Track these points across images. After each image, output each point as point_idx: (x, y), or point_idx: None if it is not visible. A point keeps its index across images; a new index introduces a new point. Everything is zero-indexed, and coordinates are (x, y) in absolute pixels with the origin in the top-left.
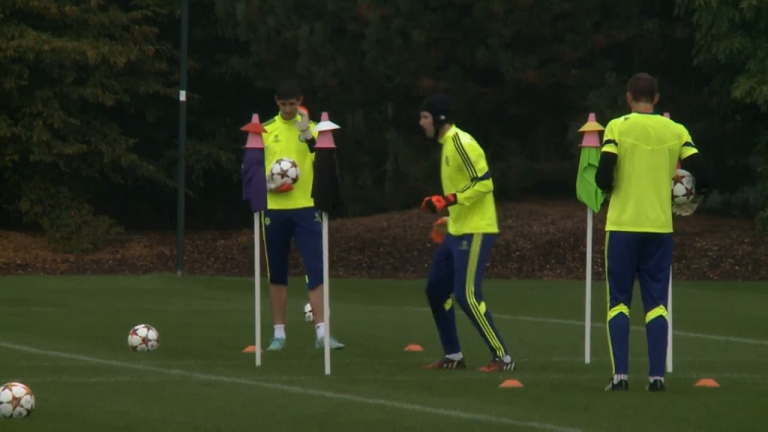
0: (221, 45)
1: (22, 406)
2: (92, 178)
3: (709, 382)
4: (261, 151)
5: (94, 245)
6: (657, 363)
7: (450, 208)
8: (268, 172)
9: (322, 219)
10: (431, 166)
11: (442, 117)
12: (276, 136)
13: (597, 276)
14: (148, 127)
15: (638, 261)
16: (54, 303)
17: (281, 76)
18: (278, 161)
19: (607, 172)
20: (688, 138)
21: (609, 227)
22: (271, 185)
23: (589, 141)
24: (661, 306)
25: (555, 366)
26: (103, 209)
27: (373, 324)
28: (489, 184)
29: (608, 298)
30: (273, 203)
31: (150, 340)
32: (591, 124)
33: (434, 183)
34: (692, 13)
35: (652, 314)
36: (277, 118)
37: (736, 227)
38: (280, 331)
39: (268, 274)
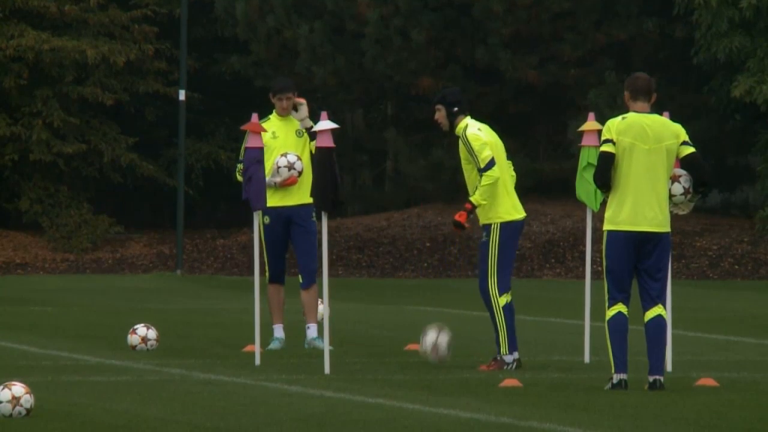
0: (221, 44)
1: (21, 406)
2: (92, 177)
3: (708, 381)
4: (261, 151)
5: (93, 244)
6: (656, 362)
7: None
8: (272, 167)
9: (320, 218)
10: (431, 166)
11: (455, 109)
12: (273, 132)
13: (596, 275)
14: (148, 126)
15: (636, 260)
16: (53, 302)
17: (281, 76)
18: (284, 154)
19: (606, 172)
20: (685, 137)
21: (607, 226)
22: (276, 179)
23: (588, 140)
24: (660, 305)
25: (555, 365)
26: (103, 208)
27: (372, 323)
28: (493, 173)
29: (607, 298)
30: (272, 200)
31: (149, 340)
32: (590, 123)
33: (434, 182)
34: (692, 12)
35: (650, 313)
36: (272, 116)
37: (735, 226)
38: (279, 331)
39: (267, 274)
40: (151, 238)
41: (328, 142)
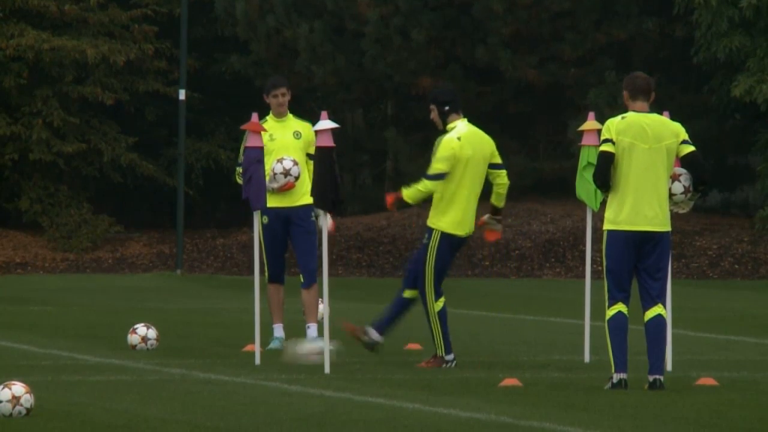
0: (221, 44)
1: (21, 405)
2: (92, 176)
3: (708, 381)
4: (260, 150)
5: (93, 244)
6: (656, 362)
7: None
8: (269, 173)
9: (318, 218)
10: None
11: (446, 108)
12: (270, 135)
13: (596, 275)
14: (148, 125)
15: (636, 260)
16: (53, 302)
17: (281, 75)
18: (279, 160)
19: (605, 172)
20: (685, 136)
21: (607, 226)
22: (273, 185)
23: (588, 140)
24: (660, 305)
25: (554, 365)
26: (103, 208)
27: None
28: (430, 185)
29: (607, 297)
30: (270, 201)
31: (149, 339)
32: (590, 123)
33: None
34: (692, 11)
35: (650, 313)
36: (269, 117)
37: (735, 226)
38: (279, 331)
39: (266, 274)
40: (151, 238)
41: (328, 141)
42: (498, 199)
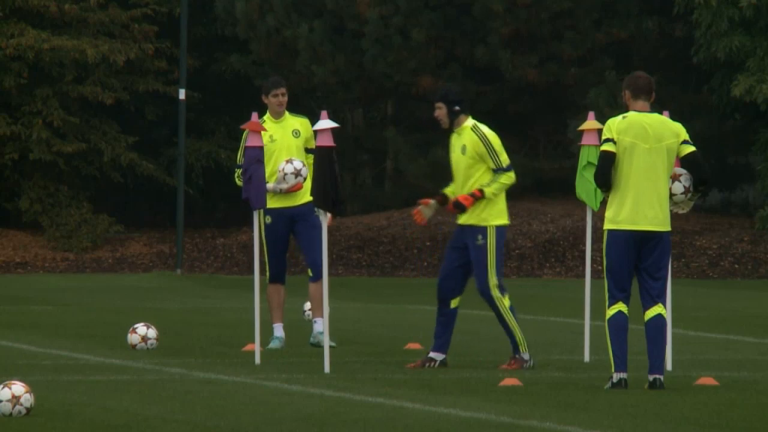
0: (221, 43)
1: (21, 405)
2: (92, 176)
3: (708, 381)
4: (261, 150)
5: (93, 244)
6: (656, 361)
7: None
8: (278, 174)
9: (318, 212)
10: (431, 164)
11: (457, 108)
12: (270, 136)
13: (596, 274)
14: (148, 125)
15: (637, 259)
16: (53, 301)
17: (281, 75)
18: (289, 161)
19: (606, 171)
20: (686, 136)
21: (607, 226)
22: (283, 185)
23: (588, 139)
24: (660, 304)
25: (555, 364)
26: (103, 208)
27: (372, 322)
28: (513, 176)
29: (607, 297)
30: (274, 202)
31: (149, 339)
32: (590, 123)
33: (434, 181)
34: (692, 11)
35: (650, 313)
36: (266, 118)
37: (735, 225)
38: (279, 330)
39: (267, 274)
40: (151, 238)
41: (328, 141)
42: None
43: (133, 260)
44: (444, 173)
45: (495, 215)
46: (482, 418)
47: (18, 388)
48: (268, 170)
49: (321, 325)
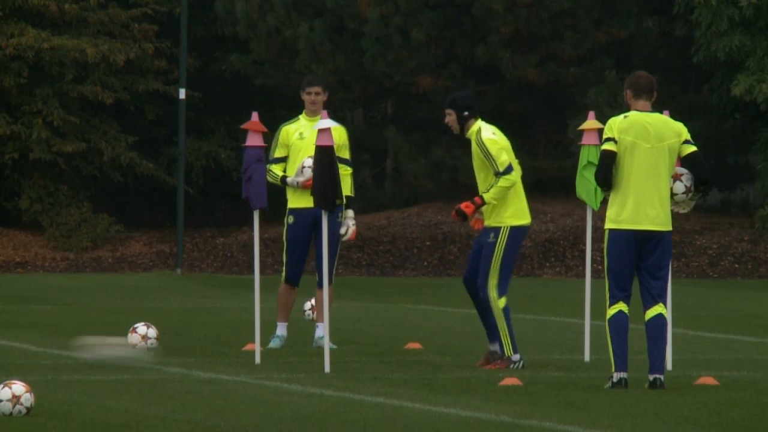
0: (221, 43)
1: (21, 404)
2: (92, 176)
3: (708, 380)
4: (261, 150)
5: (93, 243)
6: (657, 361)
7: None
8: (297, 167)
9: (342, 218)
10: (431, 164)
11: (466, 113)
12: (300, 133)
13: (596, 274)
14: (148, 124)
15: (638, 259)
16: (53, 301)
17: (281, 74)
18: (311, 156)
19: (607, 170)
20: (687, 136)
21: (608, 225)
22: (300, 178)
23: (588, 139)
24: (661, 304)
25: (555, 364)
26: (103, 207)
27: (372, 322)
28: (512, 177)
29: (607, 296)
30: (297, 201)
31: (149, 338)
32: (590, 122)
33: (434, 181)
34: (692, 10)
35: (651, 312)
36: (301, 116)
37: (735, 225)
38: (282, 329)
39: (283, 273)
40: (151, 237)
41: (328, 140)
42: None
43: (133, 260)
44: (443, 173)
45: (510, 216)
46: (482, 417)
47: (18, 387)
48: (293, 168)
49: (321, 330)
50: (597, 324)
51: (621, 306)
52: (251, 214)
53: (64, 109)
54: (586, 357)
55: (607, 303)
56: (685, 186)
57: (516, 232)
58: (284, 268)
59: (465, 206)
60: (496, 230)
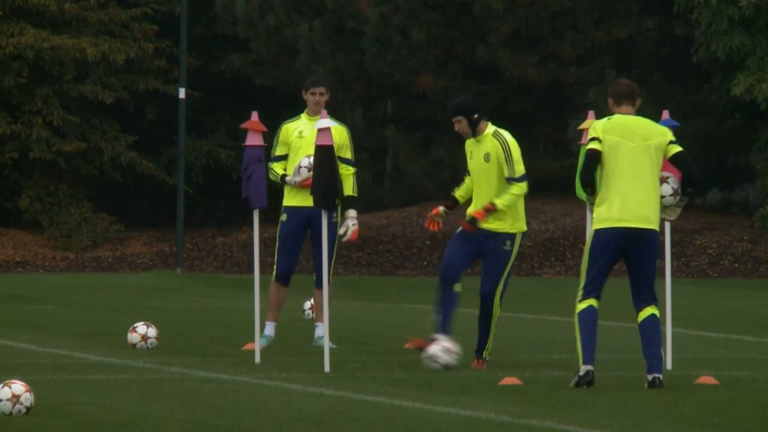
0: (221, 42)
1: (21, 404)
2: (92, 175)
3: (708, 380)
4: (261, 149)
5: (93, 243)
6: (654, 361)
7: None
8: (295, 166)
9: (338, 219)
10: (430, 164)
11: (476, 115)
12: (300, 132)
13: None
14: (148, 124)
15: (623, 258)
16: (53, 300)
17: (281, 74)
18: (309, 156)
19: (591, 170)
20: (672, 137)
21: (596, 225)
22: (297, 178)
23: None
24: (652, 305)
25: (554, 363)
26: (103, 207)
27: (372, 321)
28: (525, 186)
29: (580, 293)
30: (291, 200)
31: (149, 338)
32: (590, 122)
33: (434, 180)
34: (692, 10)
35: (644, 314)
36: (303, 115)
37: (735, 225)
38: (270, 329)
39: (273, 271)
40: (151, 237)
41: (327, 140)
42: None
43: (133, 259)
44: (443, 172)
45: (522, 220)
46: (482, 417)
47: (18, 387)
48: (292, 165)
49: (321, 330)
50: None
51: (592, 302)
52: (251, 214)
53: (64, 109)
54: None
55: (579, 298)
56: (672, 188)
57: (524, 236)
58: (275, 266)
59: (477, 213)
60: (512, 237)
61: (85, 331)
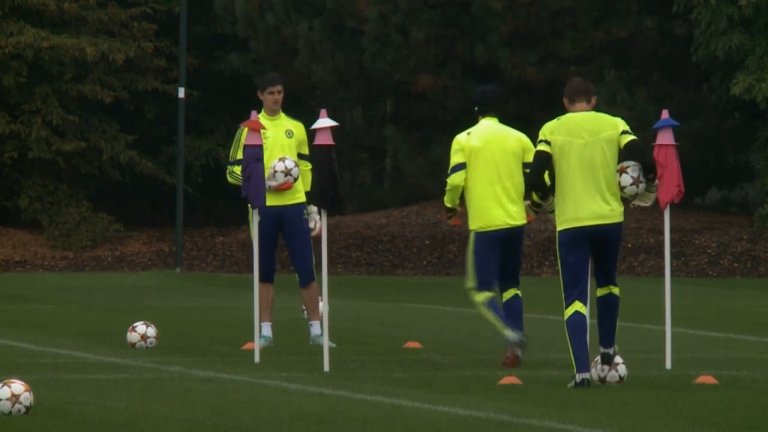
0: (220, 42)
1: (21, 403)
2: (91, 175)
3: (708, 379)
4: (260, 148)
5: (92, 242)
6: (606, 335)
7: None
8: (269, 171)
9: (309, 216)
10: (430, 163)
11: (475, 108)
12: (263, 133)
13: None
14: (147, 123)
15: (590, 252)
16: (53, 300)
17: (280, 73)
18: (281, 159)
19: (539, 172)
20: (625, 127)
21: (558, 227)
22: (272, 183)
23: None
24: (612, 285)
25: (554, 363)
26: (102, 206)
27: (372, 321)
28: (449, 180)
29: (564, 297)
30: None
31: (149, 337)
32: None
33: (433, 180)
34: (691, 10)
35: (603, 291)
36: (261, 115)
37: (734, 224)
38: (267, 329)
39: (256, 273)
40: (151, 236)
41: (327, 139)
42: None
43: (132, 259)
44: (443, 172)
45: (473, 221)
46: (481, 416)
47: (17, 386)
48: (266, 167)
49: (317, 328)
50: (595, 323)
51: (577, 306)
52: (250, 213)
53: (63, 108)
54: None
55: (564, 303)
56: (632, 177)
57: (477, 237)
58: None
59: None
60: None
61: (84, 330)
